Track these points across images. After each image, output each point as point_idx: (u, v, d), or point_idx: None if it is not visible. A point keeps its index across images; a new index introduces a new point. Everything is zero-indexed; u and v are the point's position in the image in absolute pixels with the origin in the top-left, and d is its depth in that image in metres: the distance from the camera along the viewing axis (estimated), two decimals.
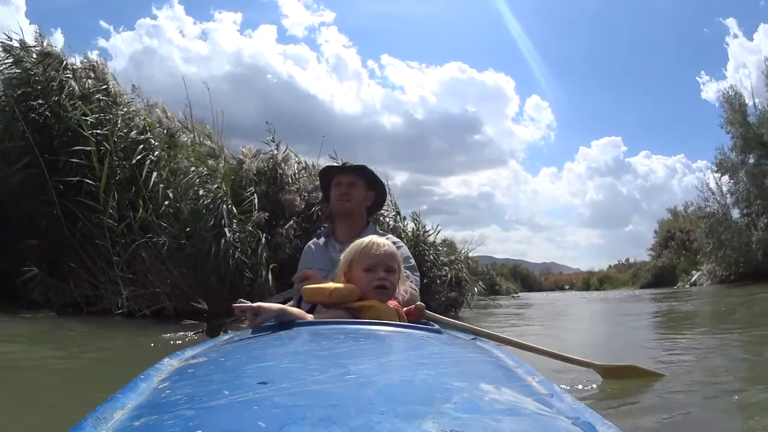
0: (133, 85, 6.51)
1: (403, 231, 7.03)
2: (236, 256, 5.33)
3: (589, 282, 36.61)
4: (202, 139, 6.51)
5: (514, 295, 20.40)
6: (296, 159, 6.62)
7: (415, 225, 7.43)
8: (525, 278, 38.20)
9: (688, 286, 16.74)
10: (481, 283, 9.11)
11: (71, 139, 5.53)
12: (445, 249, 7.89)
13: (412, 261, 1.74)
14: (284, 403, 0.54)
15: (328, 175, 1.91)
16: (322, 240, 1.84)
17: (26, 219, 5.46)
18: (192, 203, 5.53)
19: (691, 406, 1.85)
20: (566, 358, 1.96)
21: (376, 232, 1.73)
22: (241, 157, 6.23)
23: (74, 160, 5.43)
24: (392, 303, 1.19)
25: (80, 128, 5.49)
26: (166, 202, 5.53)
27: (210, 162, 6.04)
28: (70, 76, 5.91)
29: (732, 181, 14.29)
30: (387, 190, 1.97)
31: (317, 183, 6.37)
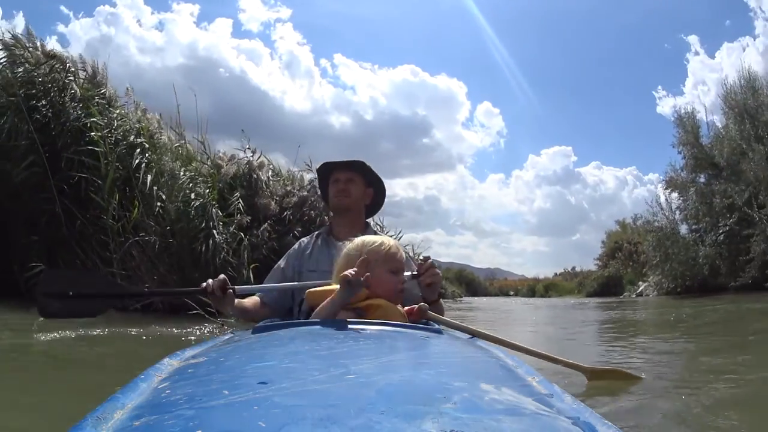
0: (128, 88, 6.68)
1: None
2: (222, 255, 5.62)
3: (535, 289, 36.67)
4: (183, 142, 6.71)
5: (458, 299, 20.44)
6: (270, 165, 7.01)
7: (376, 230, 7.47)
8: (470, 283, 37.67)
9: (634, 296, 17.34)
10: None
11: (74, 140, 5.71)
12: None
13: None
14: (284, 403, 0.54)
15: (326, 172, 1.87)
16: (320, 240, 1.80)
17: (27, 216, 5.57)
18: (182, 205, 5.75)
19: (666, 403, 2.00)
20: (558, 360, 2.02)
21: (375, 233, 1.73)
22: (219, 161, 6.58)
23: (84, 159, 5.61)
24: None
25: (85, 129, 5.69)
26: (159, 204, 5.74)
27: (193, 164, 6.30)
28: (72, 78, 6.06)
29: (681, 198, 14.75)
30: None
31: (288, 188, 6.91)
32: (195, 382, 0.68)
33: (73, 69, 6.15)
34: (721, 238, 12.76)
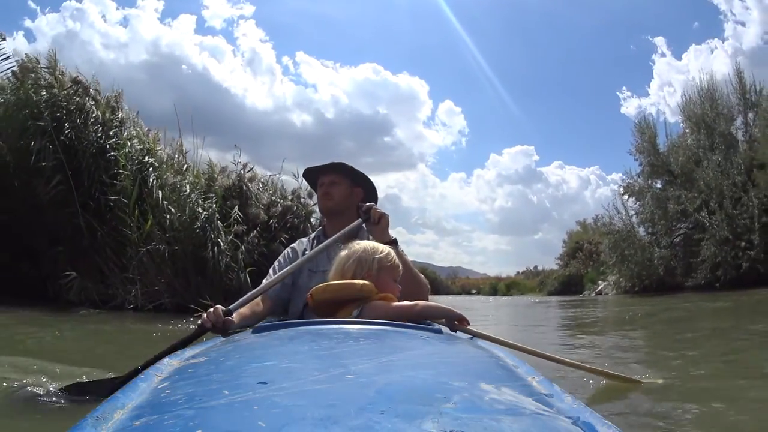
0: (137, 112, 7.25)
1: None
2: (224, 261, 6.15)
3: (497, 287, 37.35)
4: (178, 156, 7.20)
5: None
6: (260, 178, 7.65)
7: None
8: (432, 281, 37.23)
9: (593, 294, 17.97)
10: None
11: (95, 160, 6.28)
12: None
13: None
14: (284, 403, 0.54)
15: (312, 176, 1.92)
16: (316, 241, 1.80)
17: (51, 228, 6.06)
18: (189, 218, 6.30)
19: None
20: (561, 360, 2.04)
21: (367, 235, 1.73)
22: (212, 174, 7.18)
23: (104, 177, 6.21)
24: None
25: (106, 151, 6.34)
26: (168, 216, 6.26)
27: (189, 178, 6.80)
28: (93, 103, 6.60)
29: (638, 203, 15.39)
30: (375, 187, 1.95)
31: (274, 198, 7.45)
32: (195, 382, 0.68)
33: (92, 93, 6.67)
34: (677, 240, 13.49)
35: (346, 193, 1.84)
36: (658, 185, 14.96)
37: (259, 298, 1.65)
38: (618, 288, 15.72)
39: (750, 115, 13.47)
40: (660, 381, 2.25)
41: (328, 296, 1.19)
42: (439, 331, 1.03)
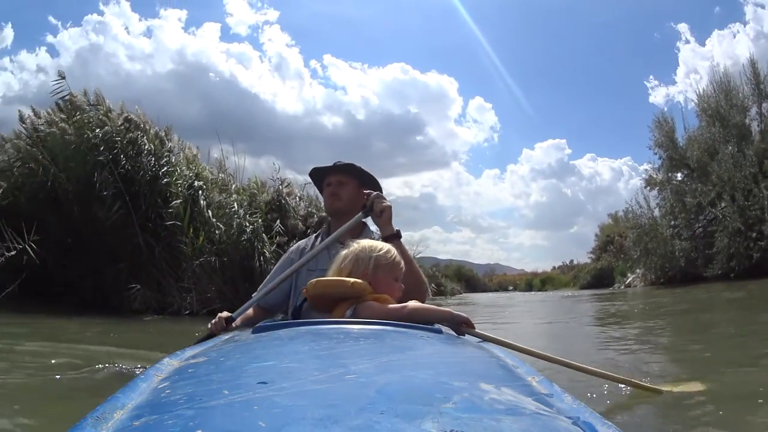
0: (179, 140, 8.11)
1: None
2: (270, 269, 6.51)
3: (532, 283, 37.75)
4: (221, 173, 8.10)
5: (457, 295, 21.01)
6: (297, 193, 8.40)
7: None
8: (469, 279, 38.03)
9: (623, 287, 18.34)
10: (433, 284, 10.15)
11: (150, 187, 7.04)
12: None
13: None
14: (284, 403, 0.54)
15: (319, 174, 1.89)
16: (319, 240, 1.80)
17: (112, 247, 6.79)
18: (236, 231, 7.06)
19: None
20: (570, 364, 1.98)
21: (371, 234, 1.73)
22: (253, 191, 8.01)
23: (158, 200, 7.00)
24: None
25: (159, 177, 7.11)
26: (217, 231, 7.06)
27: (234, 196, 7.62)
28: (144, 137, 7.34)
29: (660, 196, 15.87)
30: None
31: (310, 209, 7.96)
32: (195, 382, 0.68)
33: (144, 127, 7.44)
34: (698, 232, 13.79)
35: (353, 194, 1.83)
36: (679, 177, 15.26)
37: (250, 312, 1.70)
38: (645, 280, 15.93)
39: (765, 105, 13.45)
40: (676, 390, 2.09)
41: (320, 291, 1.19)
42: (439, 332, 1.03)
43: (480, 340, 1.20)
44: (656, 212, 15.75)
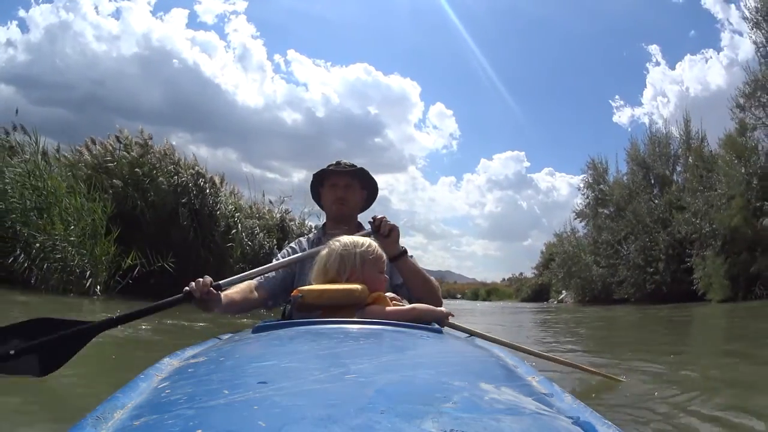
0: (226, 183, 9.99)
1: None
2: None
3: (478, 292, 40.79)
4: (255, 204, 10.38)
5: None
6: (297, 220, 10.51)
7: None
8: None
9: (556, 303, 21.37)
10: None
11: (209, 216, 8.94)
12: None
13: None
14: (284, 402, 0.54)
15: (321, 172, 1.83)
16: (314, 243, 1.77)
17: (181, 257, 8.07)
18: (258, 247, 9.29)
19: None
20: (560, 360, 2.11)
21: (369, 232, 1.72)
22: (265, 216, 10.08)
23: (216, 225, 9.05)
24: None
25: (214, 210, 9.09)
26: (248, 248, 9.13)
27: (255, 221, 9.73)
28: (204, 181, 9.12)
29: (586, 228, 19.43)
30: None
31: (303, 231, 9.75)
32: (195, 381, 0.68)
33: (204, 174, 9.25)
34: (612, 262, 16.76)
35: (359, 200, 1.81)
36: (605, 212, 18.23)
37: (254, 286, 1.64)
38: (575, 298, 19.27)
39: (691, 158, 15.34)
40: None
41: (325, 302, 1.14)
42: (439, 331, 1.03)
43: (466, 335, 1.22)
44: (582, 241, 19.36)
